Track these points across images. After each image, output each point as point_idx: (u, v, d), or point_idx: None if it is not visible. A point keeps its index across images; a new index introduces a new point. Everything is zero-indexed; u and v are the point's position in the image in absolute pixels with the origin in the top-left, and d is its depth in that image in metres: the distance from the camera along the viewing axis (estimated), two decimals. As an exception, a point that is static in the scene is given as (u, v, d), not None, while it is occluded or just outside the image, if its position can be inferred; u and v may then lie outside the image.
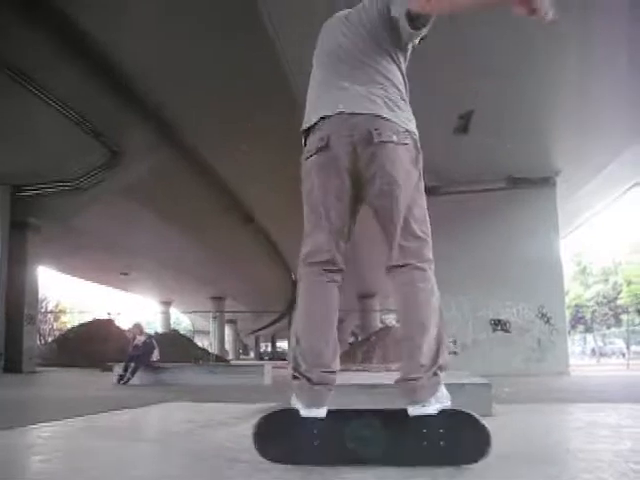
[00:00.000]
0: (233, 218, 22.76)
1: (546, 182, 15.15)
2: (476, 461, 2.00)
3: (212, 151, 16.51)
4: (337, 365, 2.25)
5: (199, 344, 34.67)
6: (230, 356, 44.85)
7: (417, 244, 2.26)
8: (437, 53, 7.82)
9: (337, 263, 2.34)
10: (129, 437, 3.47)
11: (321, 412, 2.15)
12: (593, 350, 37.43)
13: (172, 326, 42.88)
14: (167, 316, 43.24)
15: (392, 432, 2.12)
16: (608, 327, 48.95)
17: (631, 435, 3.19)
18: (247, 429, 2.36)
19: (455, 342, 14.30)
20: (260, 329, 62.27)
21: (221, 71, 12.44)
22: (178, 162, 16.60)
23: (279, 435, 2.19)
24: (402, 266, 2.24)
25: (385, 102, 2.30)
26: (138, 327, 13.04)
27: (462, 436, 2.05)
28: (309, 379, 2.16)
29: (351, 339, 40.60)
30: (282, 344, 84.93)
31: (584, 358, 34.56)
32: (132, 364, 11.48)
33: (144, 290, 39.92)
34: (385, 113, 2.29)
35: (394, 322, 30.55)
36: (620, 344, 36.07)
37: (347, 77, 2.39)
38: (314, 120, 2.39)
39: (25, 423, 3.72)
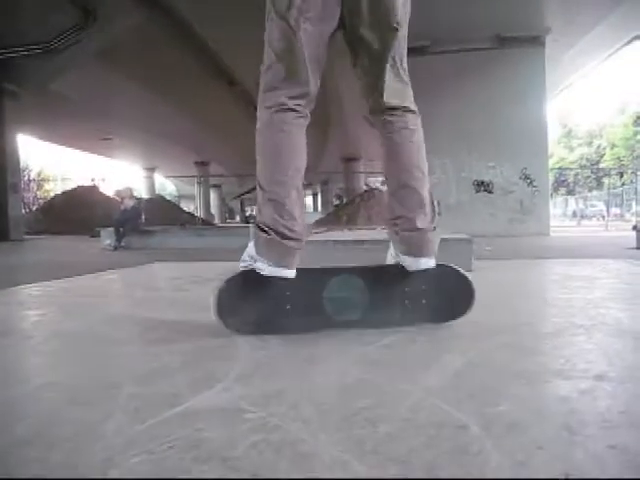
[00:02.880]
0: (216, 83, 22.18)
1: (535, 41, 14.78)
2: (462, 314, 1.99)
3: (195, 13, 15.76)
4: (304, 220, 1.97)
5: (185, 209, 34.78)
6: (216, 220, 45.23)
7: (405, 87, 2.08)
8: None
9: (312, 95, 2.02)
10: (119, 293, 3.57)
11: (291, 273, 1.89)
12: (574, 212, 38.04)
13: (157, 192, 42.75)
14: (151, 182, 43.01)
15: (380, 290, 1.98)
16: (590, 190, 49.54)
17: (603, 286, 3.33)
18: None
19: (439, 203, 14.53)
20: (245, 193, 62.34)
21: None
22: (158, 24, 15.85)
23: (245, 301, 1.88)
24: (395, 107, 2.05)
25: None
26: (128, 191, 12.99)
27: (453, 290, 2.02)
28: (279, 233, 1.87)
29: (336, 202, 40.83)
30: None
31: (565, 220, 35.15)
32: (121, 229, 11.58)
33: (127, 156, 39.55)
34: None
35: (378, 185, 30.42)
36: (601, 206, 36.65)
37: None
38: None
39: (18, 284, 3.80)
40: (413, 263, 1.97)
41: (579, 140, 58.47)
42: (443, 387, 1.27)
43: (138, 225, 12.15)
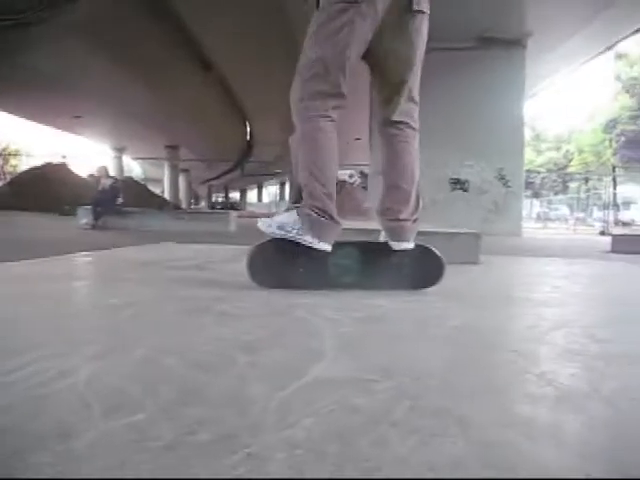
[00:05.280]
0: (191, 67, 22.00)
1: (517, 43, 14.98)
2: (434, 284, 2.51)
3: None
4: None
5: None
6: (183, 205, 44.81)
7: (413, 107, 2.52)
8: None
9: (344, 96, 2.39)
10: (153, 266, 3.46)
11: (329, 247, 2.38)
12: (538, 215, 38.83)
13: (124, 173, 42.16)
14: (120, 162, 42.41)
15: (375, 261, 2.54)
16: (555, 193, 50.21)
17: (614, 284, 3.43)
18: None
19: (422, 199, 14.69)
20: (213, 178, 62.00)
21: None
22: (134, 1, 15.66)
23: (269, 263, 2.43)
24: (400, 122, 2.49)
25: None
26: (104, 170, 12.81)
27: (427, 264, 2.55)
28: (331, 216, 2.36)
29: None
30: (235, 195, 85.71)
31: (530, 222, 35.76)
32: (99, 208, 11.42)
33: (97, 135, 39.00)
34: None
35: (347, 178, 30.83)
36: (564, 210, 37.72)
37: None
38: None
39: (22, 258, 3.68)
40: (395, 245, 2.51)
41: (548, 144, 59.28)
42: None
43: (116, 205, 12.00)
